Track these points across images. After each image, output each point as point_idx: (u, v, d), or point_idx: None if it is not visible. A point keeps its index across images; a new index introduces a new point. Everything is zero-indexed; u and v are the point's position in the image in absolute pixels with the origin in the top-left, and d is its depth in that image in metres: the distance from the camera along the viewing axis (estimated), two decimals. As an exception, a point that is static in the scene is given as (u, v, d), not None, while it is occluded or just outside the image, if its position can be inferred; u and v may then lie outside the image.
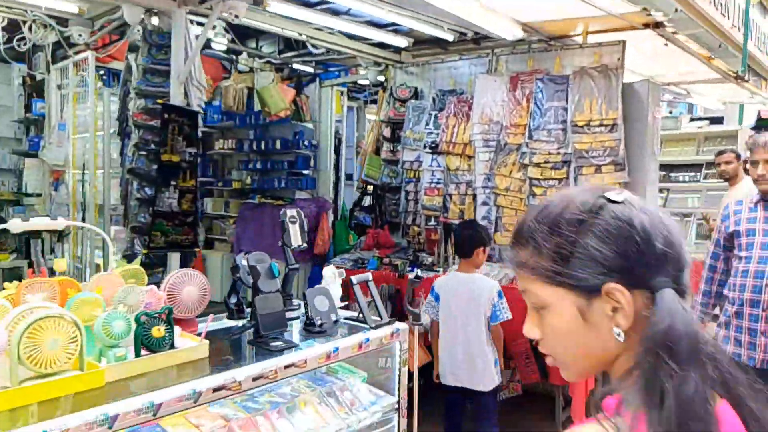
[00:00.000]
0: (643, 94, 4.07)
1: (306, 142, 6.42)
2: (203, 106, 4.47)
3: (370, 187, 5.52)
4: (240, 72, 7.02)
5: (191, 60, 3.78)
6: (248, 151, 7.13)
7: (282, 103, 5.66)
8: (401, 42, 4.98)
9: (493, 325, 3.27)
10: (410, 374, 2.34)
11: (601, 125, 4.03)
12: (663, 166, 7.25)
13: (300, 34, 4.63)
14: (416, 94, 5.18)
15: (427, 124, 4.95)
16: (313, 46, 5.00)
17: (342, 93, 6.58)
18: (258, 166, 7.05)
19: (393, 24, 4.63)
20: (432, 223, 4.93)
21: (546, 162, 4.25)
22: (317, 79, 6.48)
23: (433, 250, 4.88)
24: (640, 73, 4.89)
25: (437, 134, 4.83)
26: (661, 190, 7.40)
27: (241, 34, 6.76)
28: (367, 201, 5.61)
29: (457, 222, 4.72)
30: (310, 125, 6.60)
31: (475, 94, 4.62)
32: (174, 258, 3.92)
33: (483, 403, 3.26)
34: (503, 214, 4.50)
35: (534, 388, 3.98)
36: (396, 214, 5.22)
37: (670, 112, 7.70)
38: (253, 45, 6.85)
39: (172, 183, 3.84)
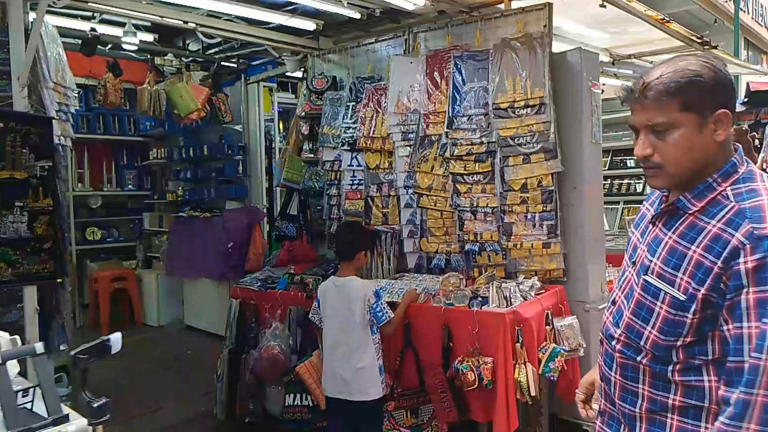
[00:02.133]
0: (576, 66, 3.42)
1: (232, 147, 5.80)
2: (73, 112, 3.87)
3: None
4: (170, 75, 6.42)
5: (29, 56, 3.18)
6: (178, 159, 6.53)
7: (192, 104, 5.05)
8: (309, 25, 4.36)
9: (381, 327, 3.00)
10: None
11: (526, 106, 3.39)
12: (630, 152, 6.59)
13: (185, 22, 4.01)
14: (334, 84, 4.55)
15: (345, 117, 4.32)
16: (207, 36, 4.38)
17: (271, 90, 5.96)
18: (188, 175, 6.47)
19: (291, 3, 4.02)
20: (355, 230, 4.29)
21: (469, 154, 3.61)
22: (242, 76, 5.88)
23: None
24: (584, 44, 4.24)
25: (355, 128, 4.21)
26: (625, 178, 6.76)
27: (168, 33, 6.19)
28: (296, 208, 4.99)
29: (383, 228, 4.11)
30: (238, 127, 6.00)
31: (390, 80, 3.99)
32: (29, 292, 3.32)
33: (366, 415, 2.98)
34: (428, 217, 3.87)
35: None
36: (323, 221, 4.60)
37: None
38: (181, 45, 6.28)
39: (18, 204, 3.23)
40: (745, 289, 1.13)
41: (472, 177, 3.63)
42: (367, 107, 4.17)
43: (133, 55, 6.03)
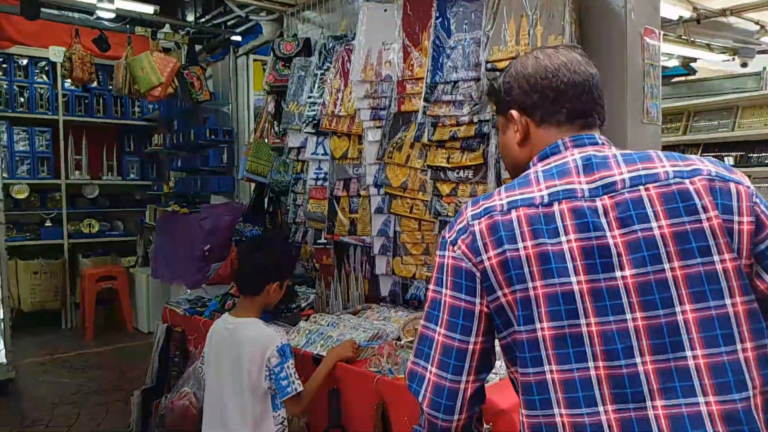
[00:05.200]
0: (618, 10, 2.18)
1: (216, 132, 4.91)
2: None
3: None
4: (166, 50, 5.63)
5: None
6: (169, 146, 5.76)
7: (155, 78, 4.18)
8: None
9: (285, 401, 1.98)
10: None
11: (535, 65, 2.19)
12: (739, 144, 5.13)
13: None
14: (307, 49, 3.51)
15: (311, 89, 3.28)
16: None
17: (264, 64, 5.00)
18: (179, 164, 5.67)
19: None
20: (322, 240, 3.26)
21: (453, 138, 2.46)
22: (230, 47, 4.96)
23: (327, 281, 3.21)
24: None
25: (321, 104, 3.16)
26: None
27: (167, 3, 5.41)
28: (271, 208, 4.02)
29: (350, 240, 3.04)
30: (226, 109, 5.11)
31: (357, 35, 2.89)
32: None
33: None
34: (402, 228, 2.75)
35: None
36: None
37: (744, 65, 5.45)
38: (186, 17, 5.47)
39: None
40: None
41: (457, 172, 2.48)
42: (335, 76, 3.11)
43: (139, 29, 5.26)
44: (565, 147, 1.01)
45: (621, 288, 0.88)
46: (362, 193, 2.97)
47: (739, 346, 0.84)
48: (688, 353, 0.84)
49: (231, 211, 4.74)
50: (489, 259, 0.94)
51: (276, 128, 3.63)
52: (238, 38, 4.96)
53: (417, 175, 2.65)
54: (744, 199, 0.89)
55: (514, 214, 0.94)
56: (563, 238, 0.91)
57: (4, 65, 5.96)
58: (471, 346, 0.96)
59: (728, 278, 0.86)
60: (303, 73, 3.38)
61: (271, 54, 3.65)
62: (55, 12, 4.99)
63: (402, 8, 2.70)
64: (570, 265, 0.90)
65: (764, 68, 5.26)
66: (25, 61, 6.02)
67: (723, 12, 3.79)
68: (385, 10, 2.80)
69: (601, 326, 0.88)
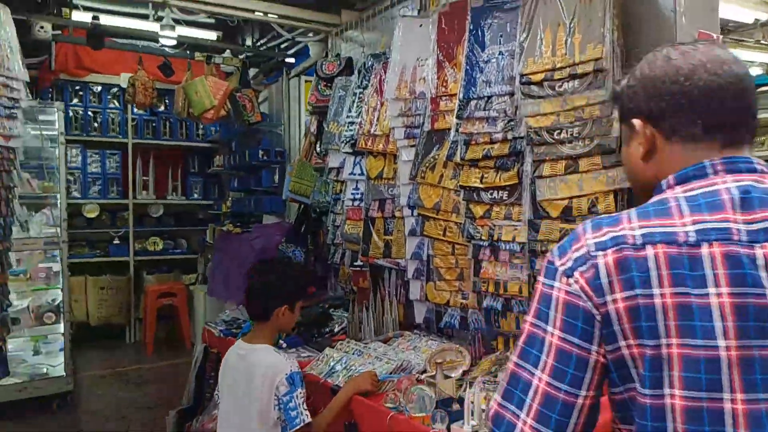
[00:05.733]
0: (668, 5, 1.97)
1: (269, 152, 4.96)
2: (24, 107, 3.25)
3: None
4: (228, 74, 5.81)
5: None
6: (227, 167, 5.89)
7: (208, 101, 4.29)
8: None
9: None
10: None
11: (572, 77, 2.01)
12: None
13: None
14: (349, 68, 3.47)
15: (350, 109, 3.22)
16: (184, 11, 3.56)
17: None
18: (236, 184, 5.79)
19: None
20: (359, 262, 3.16)
21: (487, 157, 2.30)
22: (283, 71, 5.02)
23: (363, 303, 3.11)
24: None
25: (358, 123, 3.09)
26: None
27: (227, 29, 5.62)
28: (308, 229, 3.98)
29: (385, 263, 2.93)
30: (278, 130, 5.16)
31: (393, 51, 2.81)
32: None
33: None
34: (435, 251, 2.61)
35: None
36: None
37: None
38: (245, 42, 5.65)
39: None
40: None
41: (491, 193, 2.31)
42: (372, 94, 3.03)
43: (199, 55, 5.47)
44: (714, 171, 0.82)
45: None
46: (397, 214, 2.86)
47: None
48: None
49: (281, 230, 4.77)
50: (615, 301, 0.78)
51: (318, 149, 3.60)
52: (292, 60, 5.03)
53: (450, 195, 2.51)
54: None
55: (650, 251, 0.77)
56: (712, 290, 0.74)
57: (81, 92, 6.35)
58: (581, 401, 0.80)
59: None
60: (343, 93, 3.33)
61: (315, 74, 3.64)
62: (122, 41, 5.27)
63: (437, 22, 2.59)
64: (719, 325, 0.73)
65: None
66: (99, 88, 6.39)
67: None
68: (421, 25, 2.70)
69: (749, 404, 0.72)
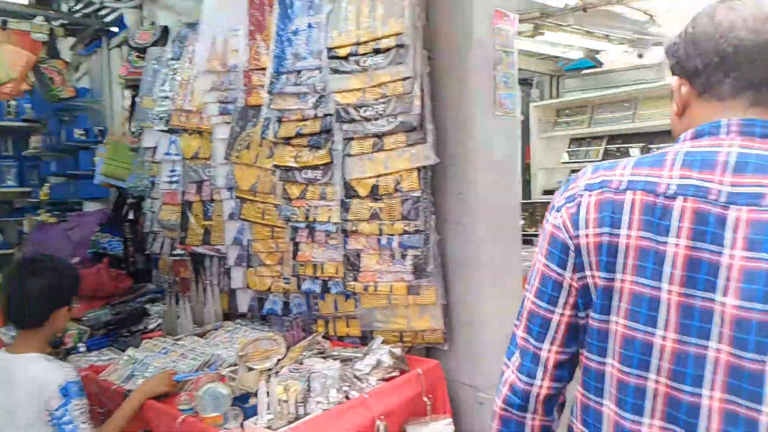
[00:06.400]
0: (466, -14, 1.97)
1: (88, 132, 4.44)
2: None
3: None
4: (44, 43, 5.07)
5: None
6: (43, 147, 5.22)
7: (4, 73, 3.70)
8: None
9: None
10: None
11: (376, 51, 1.95)
12: (641, 135, 5.14)
13: None
14: (164, 37, 3.16)
15: (164, 82, 2.93)
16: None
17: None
18: (54, 168, 5.15)
19: None
20: (178, 251, 2.92)
21: (299, 135, 2.19)
22: (101, 39, 4.50)
23: (186, 295, 2.87)
24: None
25: (172, 98, 2.82)
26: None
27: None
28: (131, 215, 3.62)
29: (204, 251, 2.73)
30: (99, 107, 4.65)
31: (202, 19, 2.58)
32: None
33: None
34: (254, 235, 2.47)
35: None
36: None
37: (640, 56, 5.46)
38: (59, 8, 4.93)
39: None
40: None
41: (305, 173, 2.21)
42: (184, 66, 2.78)
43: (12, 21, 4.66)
44: (727, 130, 0.83)
45: (716, 314, 0.77)
46: (215, 197, 2.66)
47: None
48: (765, 408, 0.74)
49: (101, 219, 4.31)
50: (586, 236, 0.86)
51: (131, 126, 3.26)
52: (116, 29, 4.52)
53: (267, 176, 2.38)
54: None
55: (629, 196, 0.84)
56: (672, 240, 0.80)
57: None
58: (557, 317, 0.92)
59: None
60: (157, 65, 3.03)
61: (127, 44, 3.28)
62: None
63: (247, -10, 2.41)
64: (668, 271, 0.80)
65: (661, 60, 5.31)
66: None
67: (609, 1, 3.70)
68: (231, -9, 2.50)
69: (678, 344, 0.80)
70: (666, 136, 4.88)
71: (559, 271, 0.91)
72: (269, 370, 1.89)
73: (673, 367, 0.80)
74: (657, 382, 0.81)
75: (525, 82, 5.75)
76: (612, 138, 5.38)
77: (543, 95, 5.80)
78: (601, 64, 5.77)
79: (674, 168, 0.82)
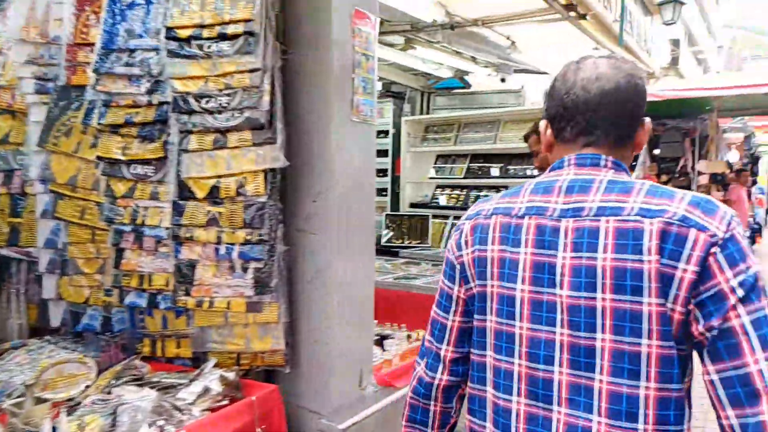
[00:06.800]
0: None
1: None
2: None
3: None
4: None
5: None
6: None
7: None
8: None
9: None
10: None
11: (222, 37, 1.74)
12: (502, 156, 5.34)
13: None
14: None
15: (-29, 51, 2.44)
16: None
17: None
18: None
19: None
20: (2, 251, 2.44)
21: (129, 123, 1.90)
22: None
23: None
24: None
25: (-21, 71, 2.36)
26: (496, 188, 5.50)
27: None
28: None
29: (9, 253, 2.29)
30: None
31: (19, -19, 2.18)
32: None
33: None
34: (71, 239, 2.11)
35: None
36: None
37: (503, 80, 5.72)
38: None
39: None
40: None
41: (134, 168, 1.92)
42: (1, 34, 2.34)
43: None
44: (568, 164, 1.04)
45: (558, 304, 0.95)
46: (28, 190, 2.25)
47: (642, 384, 0.90)
48: (596, 376, 0.92)
49: None
50: (467, 255, 1.07)
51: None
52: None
53: (90, 168, 2.04)
54: (698, 248, 0.88)
55: (493, 220, 1.05)
56: (522, 250, 1.00)
57: None
58: (450, 323, 1.11)
59: (650, 321, 0.90)
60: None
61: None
62: None
63: (77, -50, 2.07)
64: (520, 274, 1.00)
65: (522, 86, 5.60)
66: None
67: (475, 21, 3.78)
68: (58, -49, 2.13)
69: (532, 332, 0.98)
70: (522, 159, 5.14)
71: (450, 285, 1.11)
72: (70, 400, 1.58)
73: (529, 350, 0.98)
74: (520, 365, 0.99)
75: (398, 96, 5.77)
76: (474, 157, 5.55)
77: (414, 110, 5.86)
78: (469, 85, 5.97)
79: (525, 195, 1.04)
